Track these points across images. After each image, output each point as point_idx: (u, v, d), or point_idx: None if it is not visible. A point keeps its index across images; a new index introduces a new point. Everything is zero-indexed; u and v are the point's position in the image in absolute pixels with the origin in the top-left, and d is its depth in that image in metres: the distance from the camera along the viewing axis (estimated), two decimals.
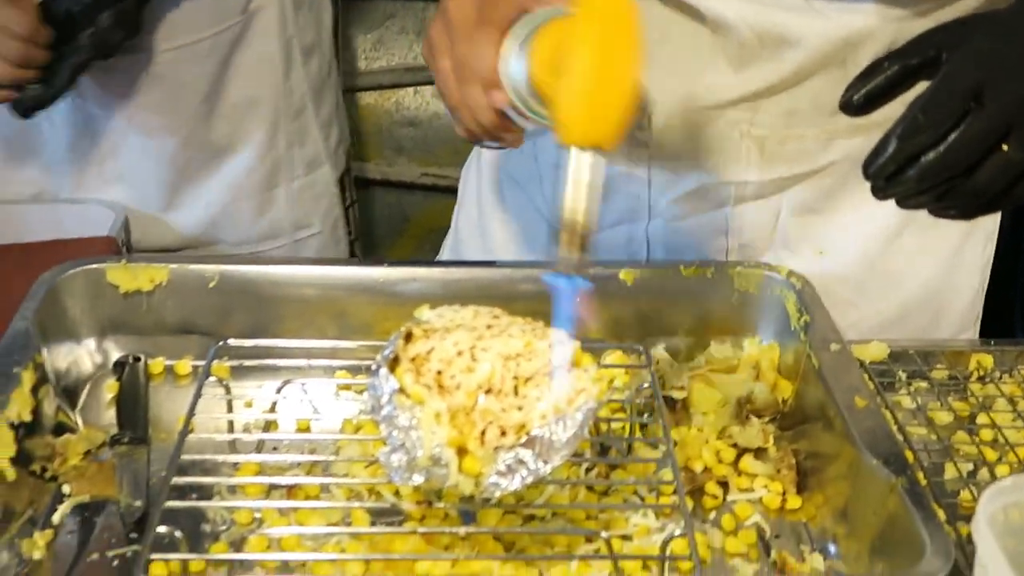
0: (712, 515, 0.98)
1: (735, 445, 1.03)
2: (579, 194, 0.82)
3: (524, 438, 0.84)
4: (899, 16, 1.08)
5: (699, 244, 1.24)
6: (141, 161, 1.66)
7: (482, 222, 1.37)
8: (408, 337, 0.89)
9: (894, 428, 1.04)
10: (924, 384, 1.13)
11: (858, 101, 0.88)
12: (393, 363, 0.87)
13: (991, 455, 1.04)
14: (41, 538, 0.92)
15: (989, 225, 1.28)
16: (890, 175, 0.86)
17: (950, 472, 1.02)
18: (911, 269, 1.25)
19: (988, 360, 1.15)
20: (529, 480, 0.84)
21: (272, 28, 1.69)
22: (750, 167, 1.18)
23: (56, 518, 0.95)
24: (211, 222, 1.73)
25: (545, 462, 0.84)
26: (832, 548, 0.94)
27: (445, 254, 1.45)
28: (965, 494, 0.99)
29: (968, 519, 0.82)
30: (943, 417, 1.09)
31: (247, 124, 1.71)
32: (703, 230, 1.23)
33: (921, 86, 0.88)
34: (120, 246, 1.58)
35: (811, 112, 1.15)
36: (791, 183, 1.19)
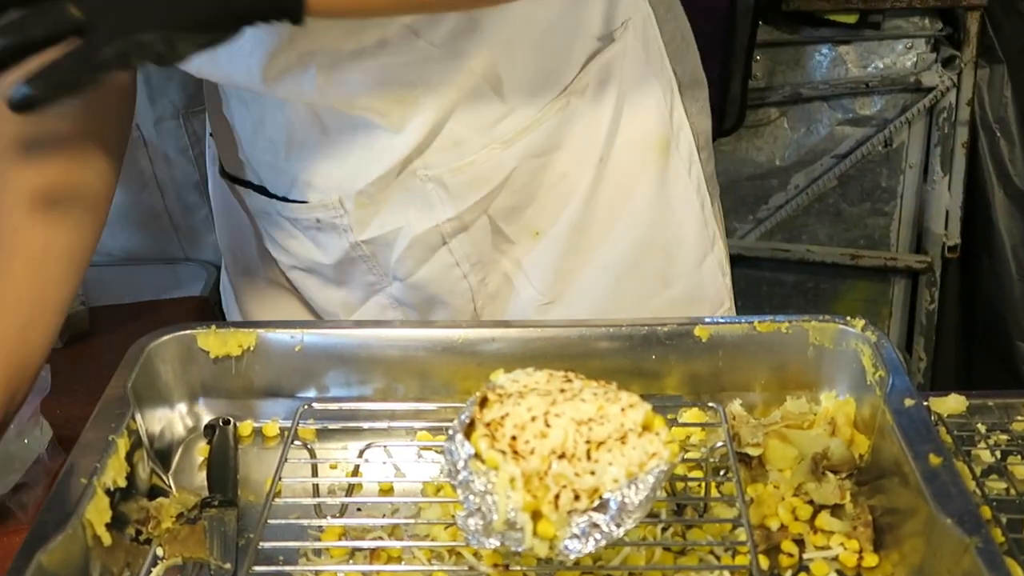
0: (788, 573, 0.99)
1: (811, 502, 1.04)
2: None
3: (597, 502, 0.85)
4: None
5: (439, 283, 1.29)
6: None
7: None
8: (483, 402, 0.91)
9: (972, 484, 1.04)
10: (1004, 437, 1.12)
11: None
12: (469, 428, 0.89)
13: None
14: None
15: (684, 151, 1.31)
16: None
17: None
18: (620, 216, 1.28)
19: None
20: (603, 543, 0.86)
21: None
22: (444, 206, 1.23)
23: None
24: None
25: (618, 525, 0.86)
26: None
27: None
28: None
29: None
30: None
31: None
32: (436, 271, 1.28)
33: None
34: (213, 305, 1.62)
35: (473, 136, 1.20)
36: (488, 201, 1.24)
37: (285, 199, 1.28)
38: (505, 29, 1.16)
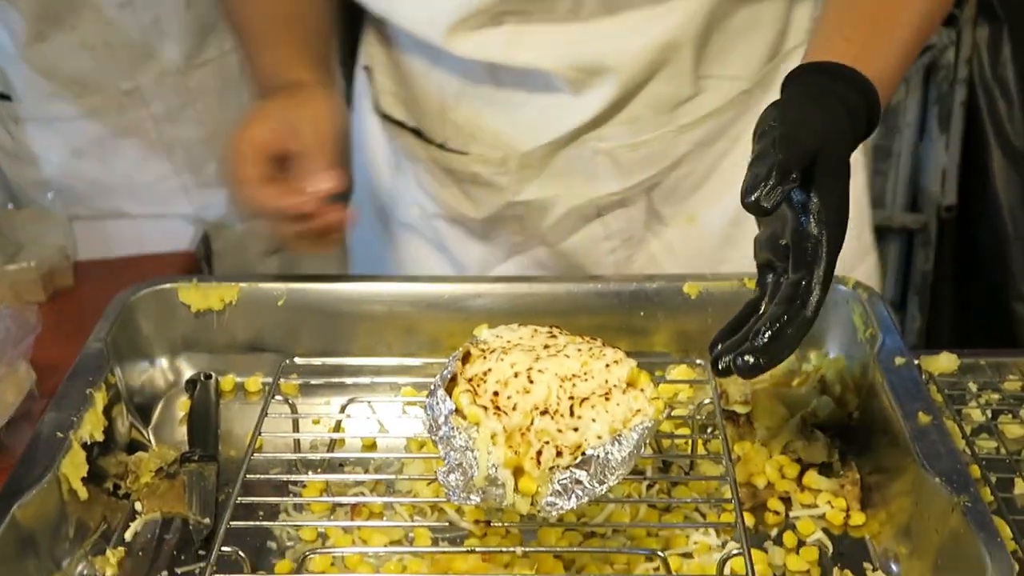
0: (774, 532, 0.98)
1: (799, 460, 1.03)
2: None
3: (580, 458, 0.84)
4: (704, 11, 1.14)
5: (586, 254, 1.28)
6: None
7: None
8: (466, 357, 0.90)
9: (961, 443, 1.03)
10: (996, 396, 1.11)
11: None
12: (451, 384, 0.88)
13: None
14: (113, 555, 0.95)
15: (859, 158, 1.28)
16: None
17: (1020, 487, 1.00)
18: None
19: None
20: (584, 500, 0.85)
21: None
22: (609, 181, 1.22)
23: (128, 535, 0.98)
24: None
25: (600, 482, 0.85)
26: (895, 567, 0.93)
27: None
28: None
29: None
30: (1015, 430, 1.07)
31: None
32: (585, 242, 1.27)
33: None
34: (199, 260, 1.60)
35: (651, 115, 1.19)
36: (653, 181, 1.23)
37: (443, 147, 1.25)
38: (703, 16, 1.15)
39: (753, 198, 0.82)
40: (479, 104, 1.20)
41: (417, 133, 1.27)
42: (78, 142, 1.63)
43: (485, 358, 0.89)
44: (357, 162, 1.40)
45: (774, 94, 1.20)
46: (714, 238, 1.27)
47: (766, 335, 0.83)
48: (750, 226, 1.23)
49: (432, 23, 1.12)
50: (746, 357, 0.83)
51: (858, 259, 1.30)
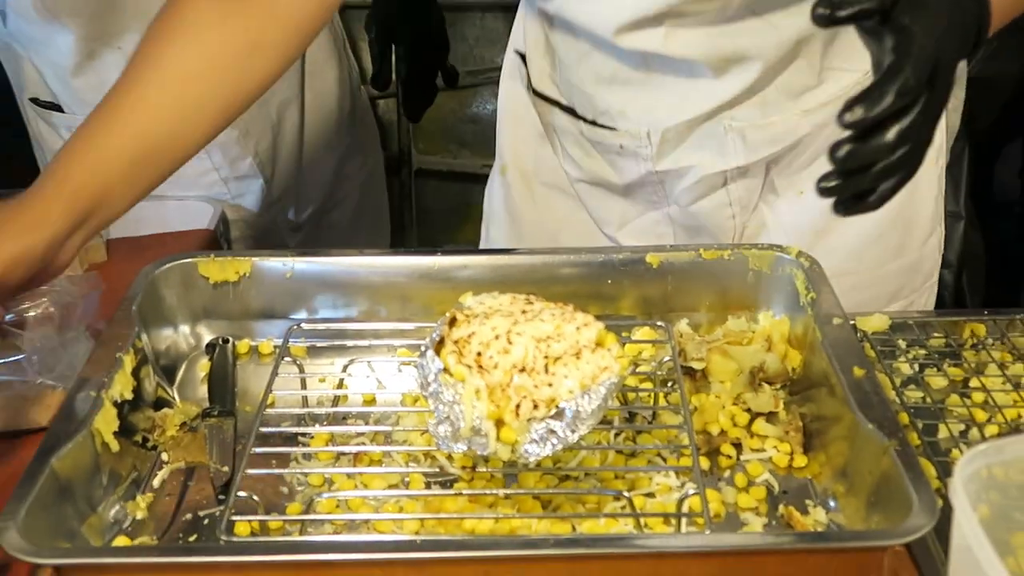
0: (727, 473, 0.98)
1: (748, 410, 1.03)
2: None
3: (554, 411, 0.84)
4: None
5: (710, 216, 1.27)
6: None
7: (516, 229, 1.39)
8: (452, 322, 0.89)
9: (892, 393, 1.04)
10: (922, 352, 1.11)
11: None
12: (439, 345, 0.87)
13: (981, 416, 1.03)
14: (143, 500, 0.94)
15: (938, 140, 1.27)
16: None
17: (943, 432, 1.00)
18: None
19: (981, 329, 1.13)
20: (559, 447, 0.85)
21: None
22: (737, 154, 1.21)
23: (156, 482, 0.97)
24: None
25: (573, 431, 0.85)
26: (833, 503, 0.93)
27: None
28: (956, 452, 0.98)
29: None
30: (938, 382, 1.07)
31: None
32: (711, 206, 1.26)
33: None
34: (218, 238, 1.59)
35: (781, 99, 1.18)
36: (772, 157, 1.23)
37: (593, 123, 1.24)
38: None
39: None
40: (630, 86, 1.19)
41: (570, 110, 1.27)
42: None
43: (470, 322, 0.89)
44: (503, 134, 1.39)
45: None
46: (820, 211, 1.23)
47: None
48: None
49: (606, 22, 1.12)
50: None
51: (935, 227, 1.31)
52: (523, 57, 1.32)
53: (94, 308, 1.16)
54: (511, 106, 1.37)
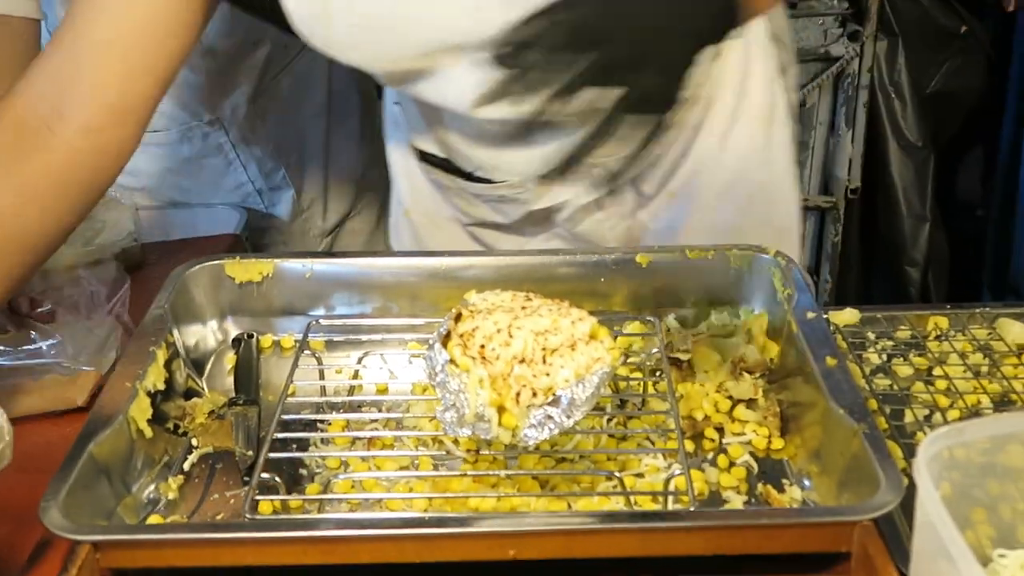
0: (710, 455, 0.98)
1: (730, 397, 1.02)
2: None
3: (551, 398, 0.84)
4: None
5: (594, 234, 1.27)
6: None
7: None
8: (458, 317, 0.89)
9: (862, 381, 1.03)
10: (890, 343, 1.11)
11: None
12: (445, 339, 0.88)
13: (944, 402, 1.02)
14: (174, 482, 0.95)
15: (781, 115, 1.26)
16: None
17: (909, 417, 1.00)
18: (743, 175, 1.25)
19: (944, 322, 1.13)
20: (556, 432, 0.85)
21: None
22: (605, 183, 1.21)
23: (186, 466, 0.97)
24: None
25: (569, 417, 0.85)
26: (807, 482, 0.93)
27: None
28: (920, 435, 0.97)
29: None
30: (905, 371, 1.07)
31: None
32: (593, 226, 1.27)
33: None
34: (243, 241, 1.60)
35: (633, 134, 1.10)
36: (640, 174, 1.23)
37: (469, 177, 1.24)
38: None
39: None
40: (499, 146, 1.18)
41: (448, 165, 1.25)
42: (171, 162, 1.65)
43: (474, 318, 0.89)
44: (398, 182, 1.37)
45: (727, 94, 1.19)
46: (692, 204, 1.26)
47: None
48: (718, 189, 1.24)
49: (458, 101, 1.09)
50: None
51: (787, 233, 1.29)
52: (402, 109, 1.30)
53: (124, 299, 1.16)
54: (400, 159, 1.34)
